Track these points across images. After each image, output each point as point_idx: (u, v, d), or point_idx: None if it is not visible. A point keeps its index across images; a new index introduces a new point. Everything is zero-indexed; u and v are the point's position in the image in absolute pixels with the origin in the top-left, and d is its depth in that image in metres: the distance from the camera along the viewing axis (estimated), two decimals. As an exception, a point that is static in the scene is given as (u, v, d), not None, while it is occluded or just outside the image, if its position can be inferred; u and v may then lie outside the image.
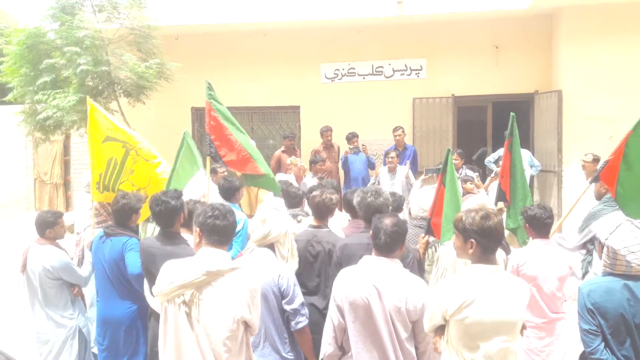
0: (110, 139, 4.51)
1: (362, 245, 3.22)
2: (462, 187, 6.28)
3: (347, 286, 2.72)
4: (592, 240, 4.28)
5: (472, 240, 2.44)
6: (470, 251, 2.45)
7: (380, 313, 2.65)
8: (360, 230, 3.37)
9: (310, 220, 3.84)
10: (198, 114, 9.60)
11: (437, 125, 9.10)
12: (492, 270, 2.43)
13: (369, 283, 2.68)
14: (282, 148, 8.09)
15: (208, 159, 4.68)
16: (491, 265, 2.44)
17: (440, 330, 2.50)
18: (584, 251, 4.36)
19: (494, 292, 2.40)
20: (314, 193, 3.74)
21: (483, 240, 2.42)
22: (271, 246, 3.12)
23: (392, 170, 7.40)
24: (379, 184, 7.30)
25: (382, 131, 8.97)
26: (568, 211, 4.25)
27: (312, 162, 7.19)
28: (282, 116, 9.51)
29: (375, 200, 3.28)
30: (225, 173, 6.73)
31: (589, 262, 4.23)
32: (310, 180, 6.63)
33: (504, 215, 4.27)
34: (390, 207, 3.35)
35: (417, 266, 3.20)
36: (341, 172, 8.38)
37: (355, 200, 3.35)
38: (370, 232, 2.84)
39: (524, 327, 2.57)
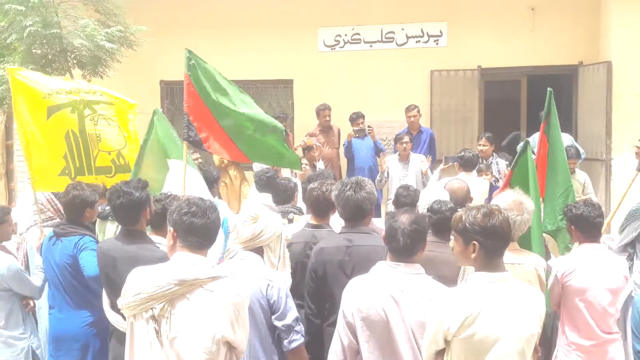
0: (53, 110, 4.45)
1: (339, 249, 3.29)
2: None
3: (359, 298, 2.75)
4: (634, 242, 4.32)
5: (475, 242, 2.50)
6: (473, 256, 2.51)
7: (400, 329, 2.67)
8: (344, 231, 3.42)
9: (307, 218, 3.87)
10: (168, 90, 9.62)
11: (459, 104, 9.15)
12: (499, 278, 2.48)
13: (385, 294, 2.71)
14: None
15: (185, 144, 4.66)
16: (498, 273, 2.49)
17: (441, 355, 2.55)
18: (626, 255, 4.42)
19: (503, 303, 2.46)
20: (312, 185, 3.78)
21: (487, 241, 2.48)
22: (259, 251, 3.14)
23: (404, 159, 7.44)
24: (388, 176, 7.36)
25: (393, 111, 9.03)
26: (616, 207, 4.30)
27: (306, 149, 7.34)
28: (271, 92, 9.55)
29: (355, 194, 3.31)
30: (200, 160, 6.82)
31: (629, 268, 4.25)
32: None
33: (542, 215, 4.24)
34: (371, 204, 3.40)
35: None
36: (343, 161, 8.44)
37: (334, 193, 3.42)
38: (383, 233, 2.86)
39: (536, 351, 2.63)
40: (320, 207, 3.76)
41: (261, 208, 3.27)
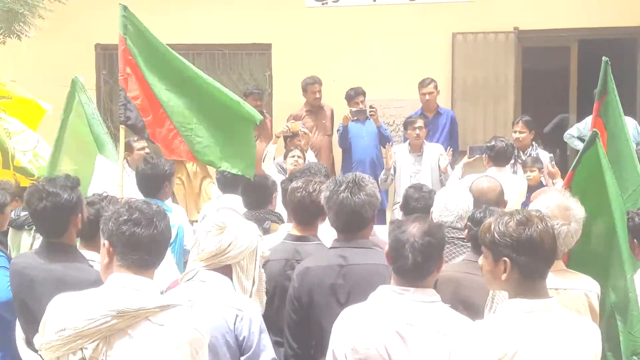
0: None
1: (330, 269, 3.31)
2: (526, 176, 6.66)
3: (355, 334, 2.75)
4: None
5: (506, 258, 2.53)
6: (504, 276, 2.55)
7: (408, 376, 2.68)
8: (337, 245, 3.43)
9: (289, 228, 3.89)
10: (107, 56, 9.59)
11: (490, 77, 9.16)
12: (540, 307, 2.50)
13: (389, 329, 2.71)
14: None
15: (122, 128, 4.69)
16: (539, 300, 2.51)
17: None
18: None
19: (546, 340, 2.47)
20: (295, 184, 3.81)
21: (521, 258, 2.50)
22: (226, 270, 3.15)
23: (416, 150, 7.49)
24: (395, 172, 7.43)
25: (403, 87, 9.00)
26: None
27: (290, 137, 7.46)
28: (243, 61, 9.49)
29: (352, 196, 3.31)
30: (147, 151, 6.91)
31: None
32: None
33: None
34: (373, 210, 3.41)
35: None
36: (337, 152, 8.52)
37: (324, 195, 3.44)
38: (386, 248, 2.88)
39: None
40: (306, 213, 3.77)
41: (229, 214, 3.32)
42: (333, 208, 3.35)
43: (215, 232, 3.13)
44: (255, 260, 3.20)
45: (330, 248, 3.47)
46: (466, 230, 3.71)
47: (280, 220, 4.70)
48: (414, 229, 2.79)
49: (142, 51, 4.64)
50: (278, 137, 7.36)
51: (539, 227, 2.51)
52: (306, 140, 7.42)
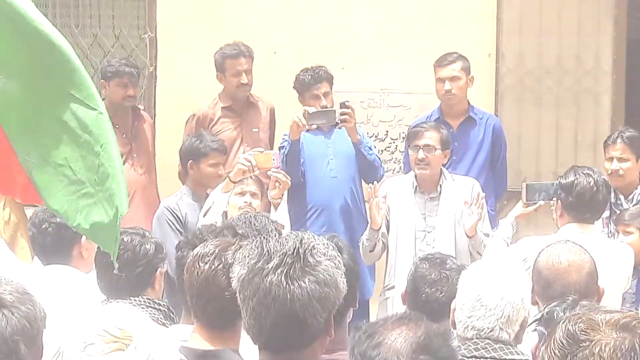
0: None
1: None
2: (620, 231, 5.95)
3: None
4: None
5: None
6: None
7: None
8: None
9: (184, 332, 3.53)
10: None
11: (567, 57, 7.42)
12: None
13: None
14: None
15: None
16: None
17: None
18: None
19: None
20: (201, 249, 3.39)
21: None
22: None
23: (428, 186, 6.30)
24: (387, 230, 6.23)
25: (407, 70, 7.57)
26: None
27: (189, 153, 6.36)
28: (106, 12, 7.88)
29: (288, 284, 2.65)
30: None
31: None
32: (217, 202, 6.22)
33: None
34: (329, 312, 2.67)
35: None
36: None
37: (236, 274, 2.74)
38: None
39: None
40: (219, 306, 3.21)
41: (126, 311, 3.53)
42: (251, 302, 2.65)
43: (107, 350, 3.40)
44: None
45: None
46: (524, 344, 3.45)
47: (171, 317, 4.00)
48: (399, 342, 2.41)
49: None
50: (234, 182, 5.96)
51: None
52: (283, 187, 6.16)
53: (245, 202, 5.66)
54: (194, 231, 4.50)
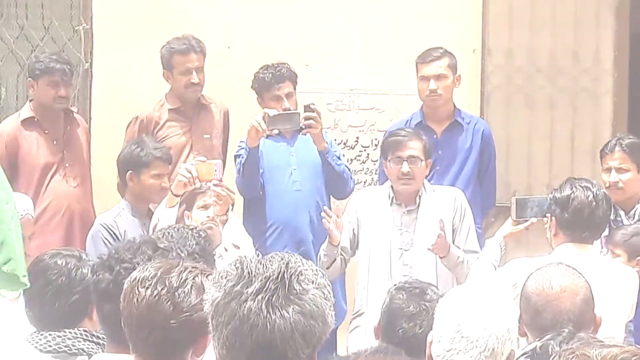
0: None
1: None
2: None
3: None
4: None
5: None
6: None
7: None
8: None
9: None
10: None
11: (563, 54, 7.32)
12: None
13: None
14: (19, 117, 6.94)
15: None
16: None
17: None
18: None
19: None
20: (138, 274, 3.08)
21: None
22: None
23: (406, 200, 6.06)
24: (357, 238, 6.14)
25: (385, 68, 7.34)
26: None
27: (128, 163, 6.13)
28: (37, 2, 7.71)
29: (269, 312, 2.45)
30: None
31: None
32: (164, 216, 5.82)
33: None
34: (314, 346, 2.38)
35: None
36: (239, 201, 6.70)
37: (210, 300, 2.57)
38: None
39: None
40: (161, 338, 2.91)
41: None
42: (225, 330, 2.40)
43: None
44: None
45: None
46: None
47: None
48: None
49: None
50: (177, 196, 5.76)
51: None
52: (224, 204, 5.80)
53: (208, 216, 5.40)
54: (108, 251, 3.93)
